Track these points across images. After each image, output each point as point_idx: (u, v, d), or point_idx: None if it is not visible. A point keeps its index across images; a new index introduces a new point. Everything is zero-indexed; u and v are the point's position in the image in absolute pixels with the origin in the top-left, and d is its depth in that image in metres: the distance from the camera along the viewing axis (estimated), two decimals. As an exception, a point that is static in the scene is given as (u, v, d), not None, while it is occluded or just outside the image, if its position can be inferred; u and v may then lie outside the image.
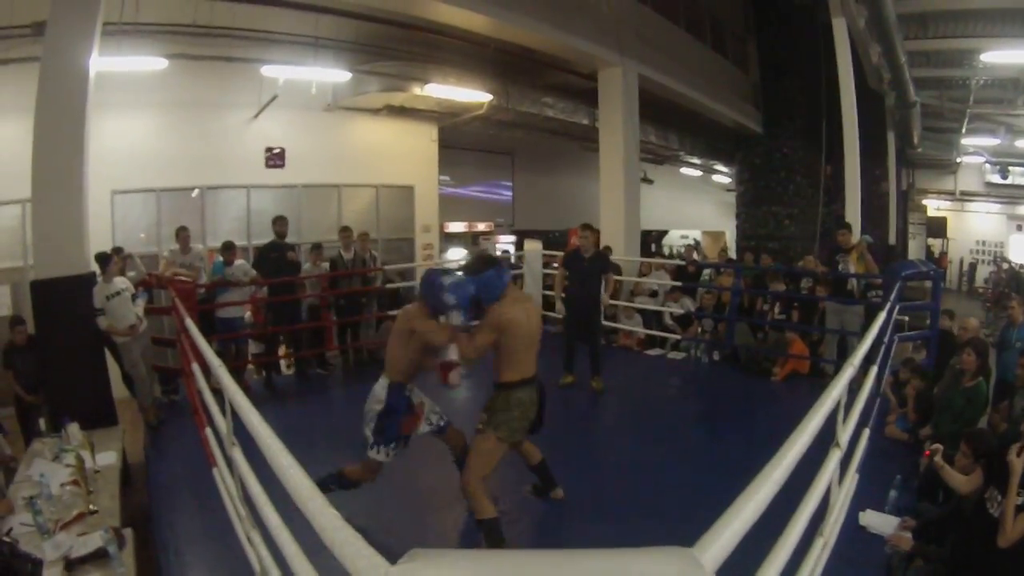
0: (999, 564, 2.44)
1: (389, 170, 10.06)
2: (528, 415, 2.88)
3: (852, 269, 5.75)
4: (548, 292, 7.56)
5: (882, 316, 3.79)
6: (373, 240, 8.20)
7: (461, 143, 11.93)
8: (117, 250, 5.50)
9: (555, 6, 7.69)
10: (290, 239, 6.88)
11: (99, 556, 2.75)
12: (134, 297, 5.08)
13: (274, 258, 6.19)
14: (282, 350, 6.64)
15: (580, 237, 5.45)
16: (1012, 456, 2.46)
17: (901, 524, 3.04)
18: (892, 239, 14.17)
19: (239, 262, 6.05)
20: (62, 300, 4.68)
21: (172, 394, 5.66)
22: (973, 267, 18.30)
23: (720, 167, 17.54)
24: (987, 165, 17.26)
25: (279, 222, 6.43)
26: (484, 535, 2.76)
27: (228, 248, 6.02)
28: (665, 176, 16.56)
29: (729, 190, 18.13)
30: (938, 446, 3.15)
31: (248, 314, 6.36)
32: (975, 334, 4.80)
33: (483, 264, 2.86)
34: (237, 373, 5.62)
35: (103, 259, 4.99)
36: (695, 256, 9.28)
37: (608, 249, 8.14)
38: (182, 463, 4.16)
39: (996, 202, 18.34)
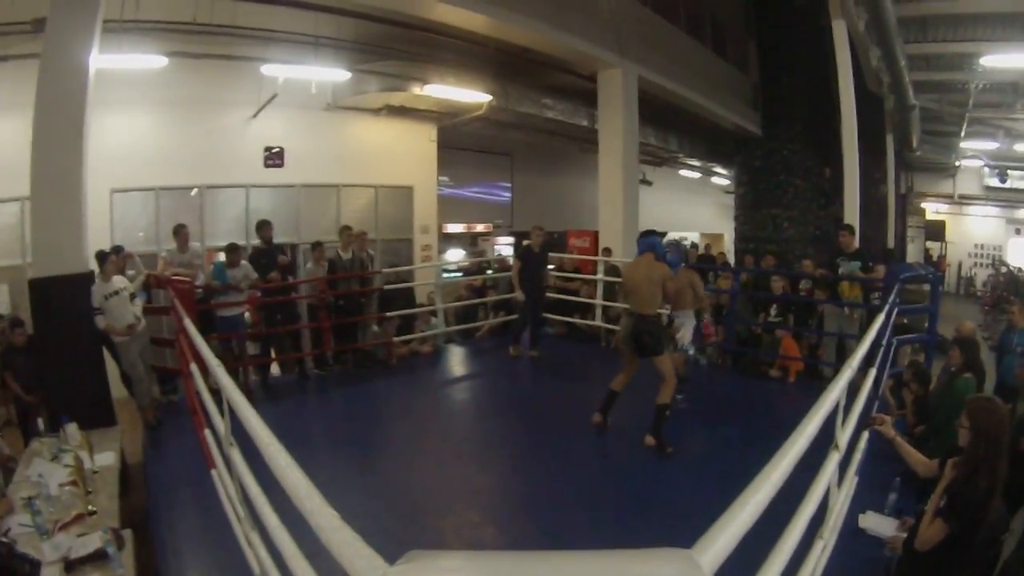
0: (915, 566, 2.43)
1: (388, 170, 10.05)
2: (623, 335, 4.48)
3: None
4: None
5: (880, 318, 3.79)
6: (372, 240, 8.18)
7: (460, 144, 11.92)
8: (117, 249, 5.47)
9: (555, 6, 7.68)
10: (289, 239, 6.85)
11: (98, 557, 2.74)
12: (132, 296, 5.06)
13: (264, 263, 6.17)
14: (274, 352, 6.60)
15: (534, 235, 6.66)
16: (949, 462, 2.43)
17: (900, 526, 3.04)
18: (891, 242, 14.19)
19: (243, 263, 6.03)
20: (61, 299, 4.66)
21: (171, 394, 5.65)
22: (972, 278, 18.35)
23: (719, 169, 17.55)
24: (986, 169, 17.34)
25: (264, 227, 6.39)
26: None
27: (233, 250, 5.95)
28: (664, 178, 16.56)
29: (728, 192, 18.14)
30: (881, 416, 3.01)
31: (247, 314, 6.34)
32: (969, 335, 4.80)
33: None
34: (236, 373, 5.62)
35: (102, 258, 4.98)
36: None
37: (607, 251, 8.17)
38: (181, 464, 4.15)
39: (995, 206, 18.41)
